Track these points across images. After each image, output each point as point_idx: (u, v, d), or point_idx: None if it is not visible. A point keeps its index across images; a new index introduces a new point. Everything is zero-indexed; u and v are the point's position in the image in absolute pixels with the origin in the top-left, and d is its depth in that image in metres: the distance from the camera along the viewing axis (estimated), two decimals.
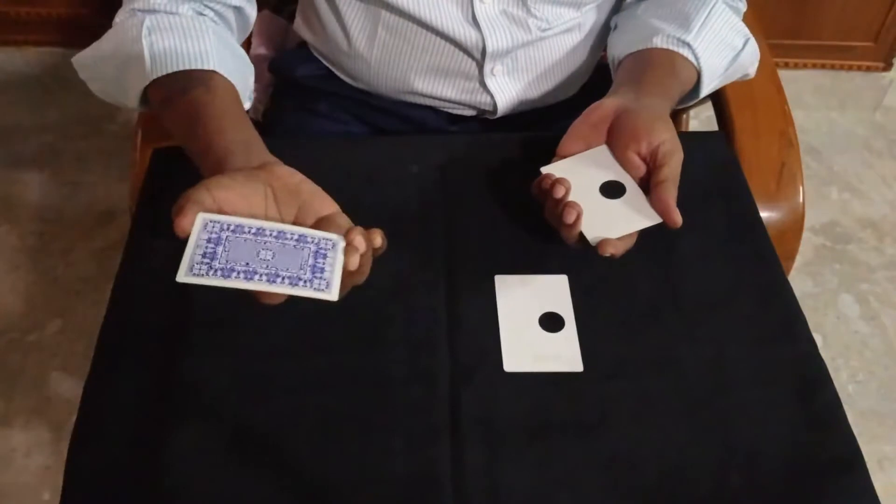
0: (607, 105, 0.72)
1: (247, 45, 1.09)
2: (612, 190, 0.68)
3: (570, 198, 0.67)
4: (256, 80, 1.06)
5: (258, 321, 0.67)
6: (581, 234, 0.67)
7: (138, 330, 0.67)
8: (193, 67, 0.72)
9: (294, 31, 0.98)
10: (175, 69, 0.72)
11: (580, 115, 0.74)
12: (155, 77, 0.72)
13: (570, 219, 0.66)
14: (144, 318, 0.68)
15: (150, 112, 0.80)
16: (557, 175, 0.68)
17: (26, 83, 1.76)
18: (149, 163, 0.81)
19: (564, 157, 0.72)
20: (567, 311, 0.69)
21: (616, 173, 0.70)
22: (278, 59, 1.02)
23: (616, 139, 0.71)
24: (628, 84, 0.78)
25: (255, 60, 1.08)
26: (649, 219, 0.67)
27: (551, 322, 0.69)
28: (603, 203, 0.68)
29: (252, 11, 0.83)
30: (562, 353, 0.66)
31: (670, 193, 0.67)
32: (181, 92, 0.71)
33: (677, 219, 0.66)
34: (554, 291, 0.70)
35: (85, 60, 0.79)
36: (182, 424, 0.61)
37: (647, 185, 0.69)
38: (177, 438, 0.60)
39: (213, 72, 0.73)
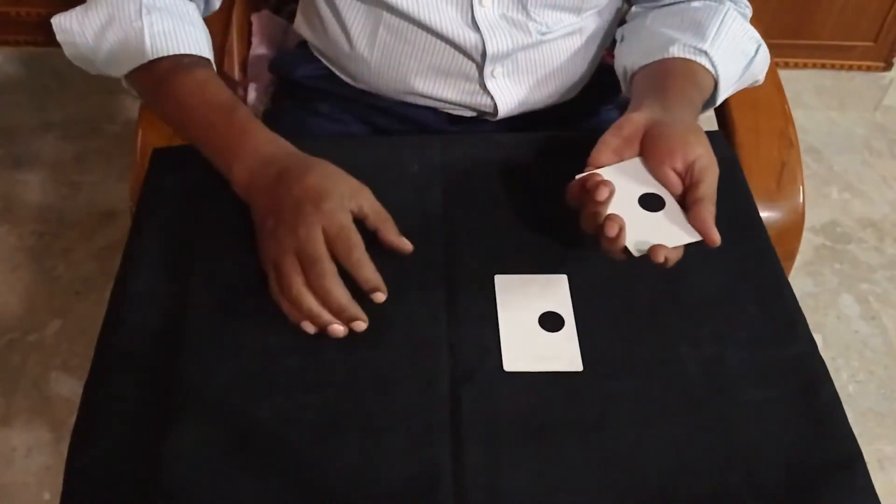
0: (637, 118, 0.71)
1: (247, 45, 1.09)
2: (650, 202, 0.67)
3: (609, 208, 0.65)
4: (256, 80, 1.07)
5: (258, 320, 0.67)
6: (624, 246, 0.65)
7: (138, 330, 0.67)
8: (192, 52, 0.77)
9: (294, 30, 0.98)
10: (174, 52, 0.76)
11: (609, 128, 0.71)
12: (155, 58, 0.76)
13: (612, 232, 0.64)
14: (144, 318, 0.68)
15: (144, 99, 0.85)
16: None
17: (26, 83, 1.75)
18: (149, 163, 0.81)
19: (598, 167, 0.69)
20: (567, 311, 0.69)
21: (654, 187, 0.68)
22: (278, 58, 1.02)
23: (650, 153, 0.69)
24: (652, 96, 0.76)
25: (255, 60, 1.08)
26: (689, 235, 0.66)
27: (551, 322, 0.68)
28: (642, 215, 0.66)
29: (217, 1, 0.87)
30: (562, 353, 0.66)
31: (709, 211, 0.66)
32: (182, 70, 0.76)
33: (716, 238, 0.65)
34: (554, 291, 0.70)
35: (68, 25, 0.80)
36: (182, 424, 0.61)
37: (684, 200, 0.68)
38: (177, 438, 0.60)
39: (207, 59, 0.79)
